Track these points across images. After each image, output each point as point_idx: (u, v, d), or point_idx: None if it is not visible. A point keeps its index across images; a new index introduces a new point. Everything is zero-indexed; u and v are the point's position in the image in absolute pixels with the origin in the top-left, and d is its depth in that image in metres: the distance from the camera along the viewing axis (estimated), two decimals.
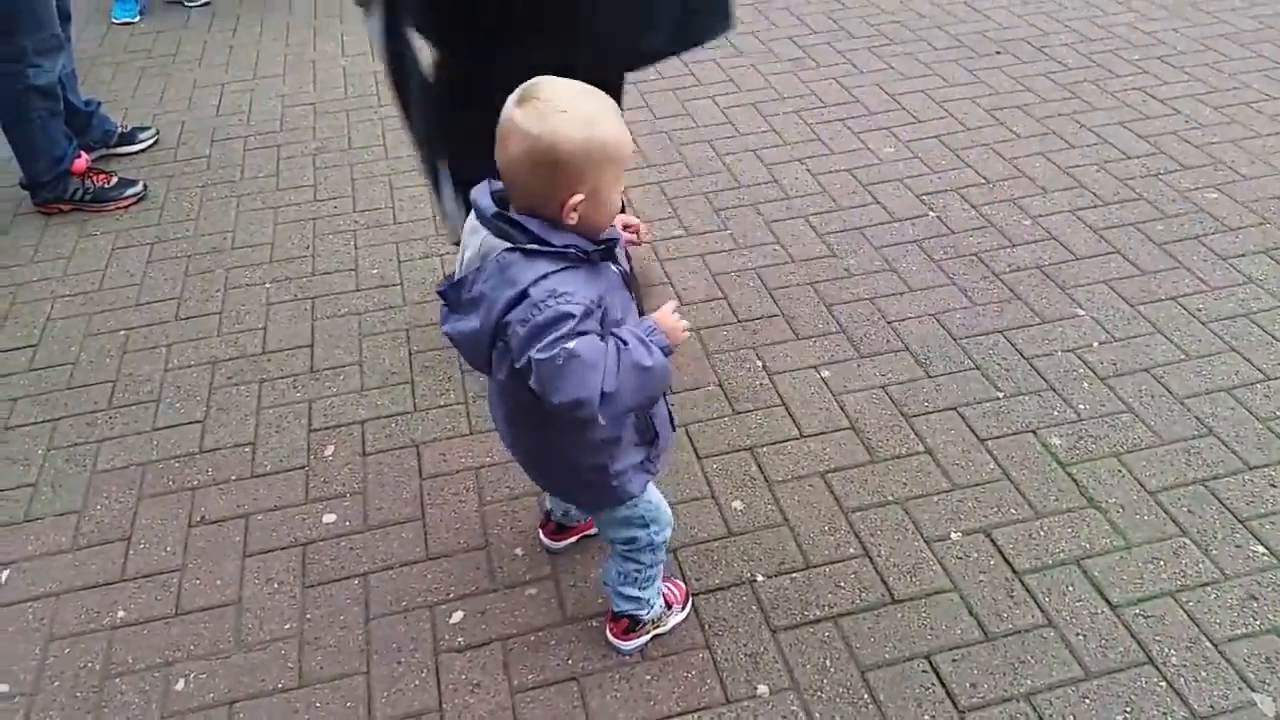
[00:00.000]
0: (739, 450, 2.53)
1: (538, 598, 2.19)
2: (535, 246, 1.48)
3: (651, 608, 2.02)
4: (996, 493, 2.38)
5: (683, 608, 2.12)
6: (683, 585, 2.15)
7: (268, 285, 3.23)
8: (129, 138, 4.01)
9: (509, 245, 1.49)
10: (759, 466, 2.48)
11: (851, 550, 2.26)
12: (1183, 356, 2.74)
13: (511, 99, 1.47)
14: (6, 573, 2.31)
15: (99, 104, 3.95)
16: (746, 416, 2.62)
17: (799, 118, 4.01)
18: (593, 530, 2.26)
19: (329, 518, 2.40)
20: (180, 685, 2.06)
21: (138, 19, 5.26)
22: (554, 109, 1.43)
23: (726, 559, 2.25)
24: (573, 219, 1.49)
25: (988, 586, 2.16)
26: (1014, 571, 2.19)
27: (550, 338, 1.44)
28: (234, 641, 2.14)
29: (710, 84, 4.28)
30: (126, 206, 3.66)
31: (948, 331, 2.88)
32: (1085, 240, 3.22)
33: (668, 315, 1.62)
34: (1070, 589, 2.15)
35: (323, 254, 3.36)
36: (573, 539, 2.27)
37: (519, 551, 2.29)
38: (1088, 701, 1.93)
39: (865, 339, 2.87)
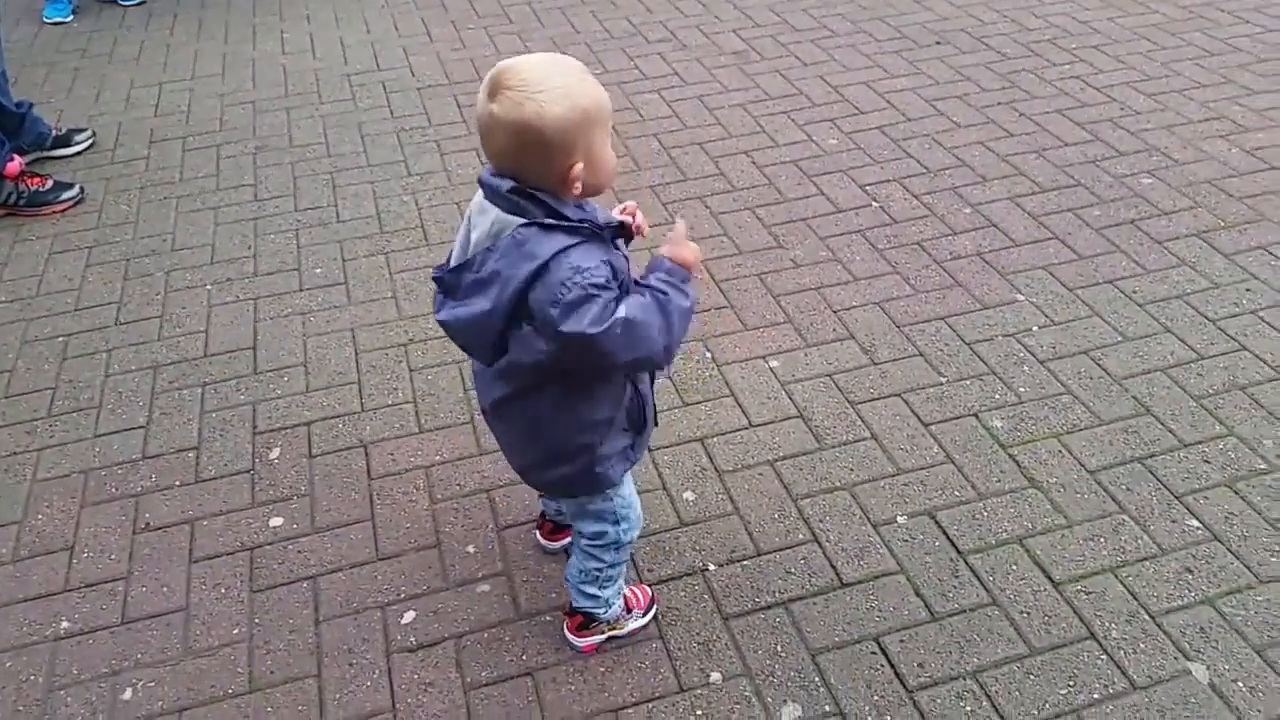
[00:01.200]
0: (689, 441, 2.54)
1: (490, 594, 2.19)
2: (552, 220, 1.49)
3: (609, 608, 2.02)
4: (941, 475, 2.42)
5: (644, 614, 2.10)
6: (649, 592, 2.14)
7: (209, 287, 3.18)
8: (64, 140, 3.93)
9: (524, 221, 1.50)
10: (709, 457, 2.50)
11: (801, 536, 2.29)
12: (1120, 338, 2.80)
13: (482, 93, 1.48)
14: None
15: (31, 105, 3.87)
16: (696, 408, 2.64)
17: (744, 110, 4.04)
18: None
19: (276, 521, 2.38)
20: (128, 694, 2.03)
21: (70, 19, 5.15)
22: (527, 93, 1.44)
23: (679, 549, 2.27)
24: (578, 188, 1.52)
25: (933, 568, 2.20)
26: (958, 552, 2.23)
27: (593, 312, 1.46)
28: (182, 648, 2.11)
29: (655, 78, 4.30)
30: (63, 210, 3.59)
31: (891, 319, 2.92)
32: (1024, 227, 3.27)
33: (683, 247, 1.65)
34: (1014, 568, 2.19)
35: (264, 254, 3.32)
36: (569, 538, 2.24)
37: (470, 549, 2.29)
38: (1032, 677, 1.97)
39: (812, 328, 2.90)
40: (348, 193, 3.62)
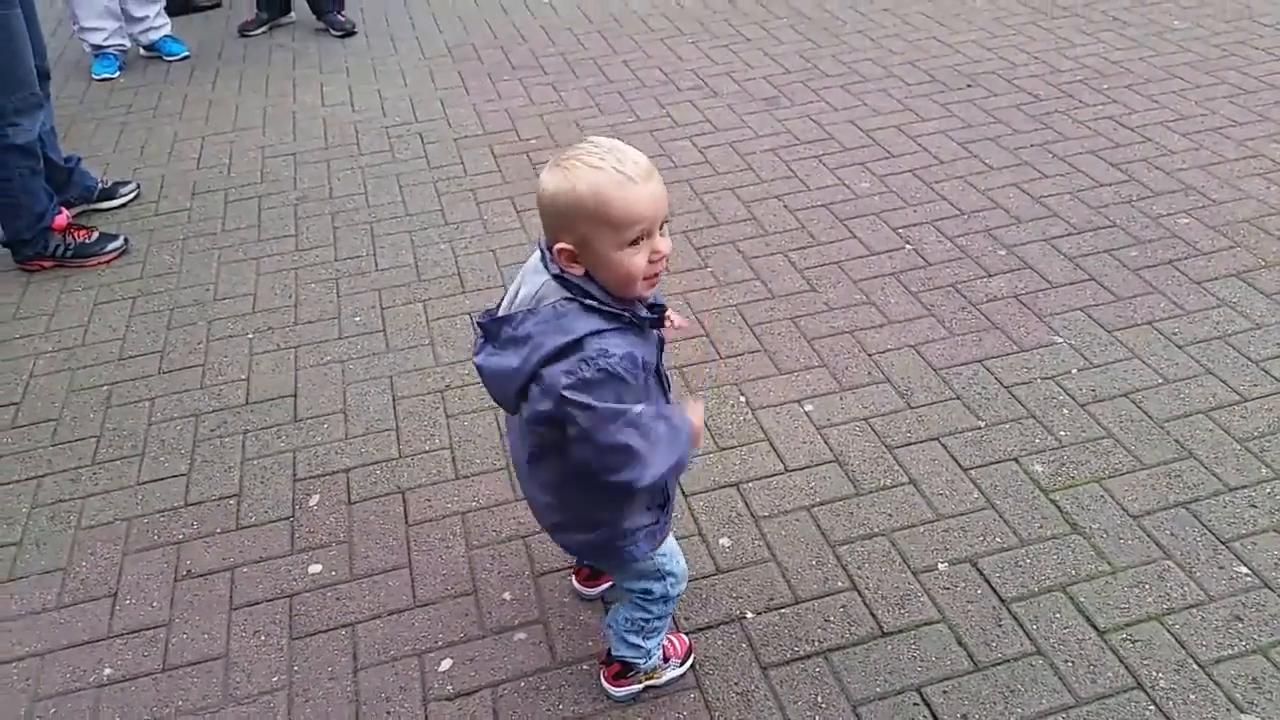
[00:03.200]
0: (724, 487, 2.53)
1: (527, 642, 2.18)
2: (594, 303, 1.51)
3: (650, 658, 2.00)
4: (981, 522, 2.39)
5: (681, 663, 2.09)
6: (686, 641, 2.12)
7: (250, 336, 3.23)
8: (110, 193, 4.03)
9: (568, 295, 1.52)
10: (745, 502, 2.49)
11: (839, 584, 2.27)
12: (1160, 380, 2.77)
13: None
14: None
15: (79, 159, 3.97)
16: (731, 453, 2.64)
17: (775, 155, 4.06)
18: None
19: (315, 568, 2.39)
20: None
21: (117, 74, 5.30)
22: (561, 160, 1.48)
23: (715, 596, 2.25)
24: (574, 269, 1.52)
25: (976, 616, 2.17)
26: (1001, 600, 2.20)
27: (605, 394, 1.47)
28: (223, 695, 2.12)
29: (687, 124, 4.34)
30: (108, 261, 3.67)
31: (928, 362, 2.90)
32: (1060, 268, 3.26)
33: (700, 417, 1.66)
34: (1057, 616, 2.15)
35: (305, 303, 3.37)
36: (607, 584, 2.25)
37: (507, 596, 2.29)
38: None
39: (847, 372, 2.89)
40: (386, 242, 3.67)
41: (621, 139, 1.52)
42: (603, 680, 2.05)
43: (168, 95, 5.07)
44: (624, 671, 2.02)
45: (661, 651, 2.03)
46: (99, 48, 5.27)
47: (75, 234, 3.66)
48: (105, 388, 3.05)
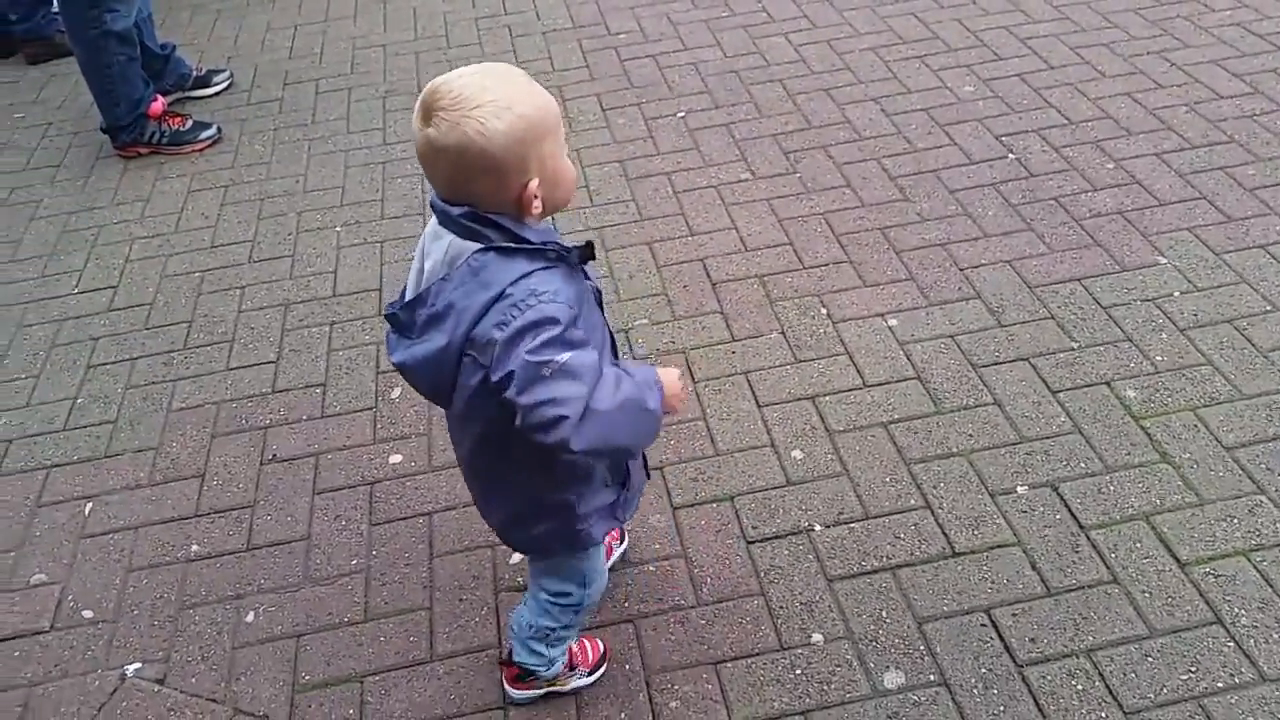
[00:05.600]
0: (800, 399, 2.50)
1: None
2: (512, 245, 1.37)
3: (552, 666, 1.87)
4: (1066, 446, 2.32)
5: (590, 672, 1.95)
6: (601, 646, 1.98)
7: (338, 229, 3.27)
8: (204, 81, 4.07)
9: (481, 246, 1.37)
10: (820, 416, 2.45)
11: (912, 502, 2.23)
12: (1268, 308, 2.62)
13: (415, 119, 1.35)
14: (90, 505, 2.41)
15: (174, 47, 4.02)
16: (808, 365, 2.59)
17: (875, 55, 3.89)
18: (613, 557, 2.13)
19: (395, 458, 2.45)
20: (251, 617, 2.14)
21: None
22: (463, 111, 1.30)
23: (784, 508, 2.25)
24: (537, 208, 1.39)
25: (1052, 541, 2.12)
26: (1080, 526, 2.14)
27: (539, 340, 1.32)
28: (303, 576, 2.21)
29: (783, 20, 4.17)
30: (202, 149, 3.73)
31: (1023, 279, 2.80)
32: (1170, 185, 3.08)
33: (675, 378, 1.54)
34: (1138, 545, 2.10)
35: (391, 198, 3.39)
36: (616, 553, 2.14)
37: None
38: (1150, 660, 1.89)
39: (935, 286, 2.80)
40: None
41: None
42: (504, 680, 1.94)
43: None
44: (524, 675, 1.89)
45: (568, 658, 1.91)
46: None
47: (170, 121, 3.72)
48: (197, 274, 3.13)
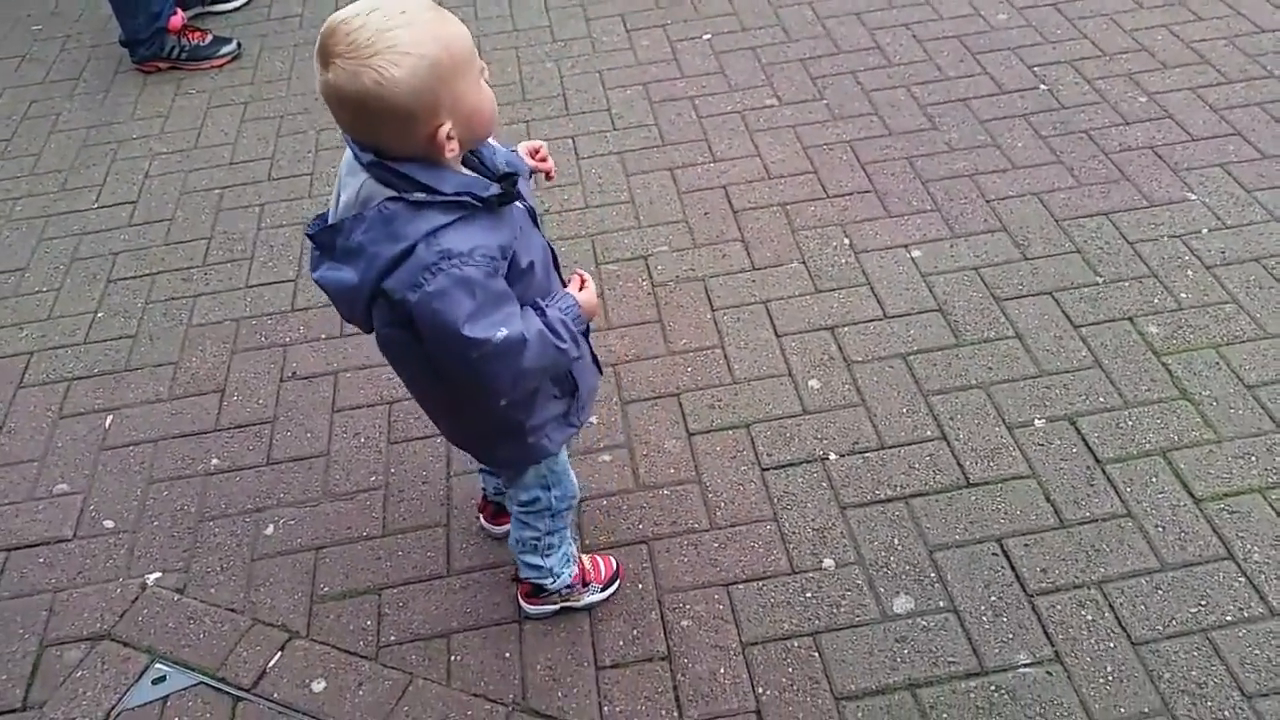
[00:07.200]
0: (819, 329, 2.49)
1: (611, 464, 2.23)
2: (423, 196, 1.30)
3: (557, 578, 1.88)
4: (1086, 380, 2.31)
5: (604, 587, 1.97)
6: (613, 564, 2.00)
7: None
8: None
9: (392, 194, 1.30)
10: (839, 346, 2.44)
11: (928, 433, 2.23)
12: None
13: (315, 62, 1.27)
14: (110, 418, 2.44)
15: None
16: (829, 295, 2.58)
17: None
18: None
19: None
20: (270, 530, 2.17)
21: None
22: (360, 59, 1.21)
23: (800, 436, 2.25)
24: (452, 149, 1.31)
25: (1067, 474, 2.12)
26: (1096, 460, 2.14)
27: (466, 307, 1.30)
28: (322, 491, 2.24)
29: None
30: (221, 65, 3.69)
31: (1050, 212, 2.75)
32: (1204, 120, 3.01)
33: (592, 293, 1.53)
34: (1153, 480, 2.09)
35: None
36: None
37: (594, 419, 2.32)
38: (1160, 592, 1.90)
39: (961, 218, 2.77)
40: (493, 57, 3.59)
41: None
42: (519, 596, 1.97)
43: None
44: (535, 591, 1.92)
45: (579, 573, 1.93)
46: None
47: (190, 36, 3.67)
48: (217, 191, 3.12)
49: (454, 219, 1.31)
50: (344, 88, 1.23)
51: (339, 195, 1.39)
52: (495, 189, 1.36)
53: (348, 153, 1.37)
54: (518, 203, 1.43)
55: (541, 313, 1.43)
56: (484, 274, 1.32)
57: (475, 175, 1.39)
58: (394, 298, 1.32)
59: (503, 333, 1.33)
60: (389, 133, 1.28)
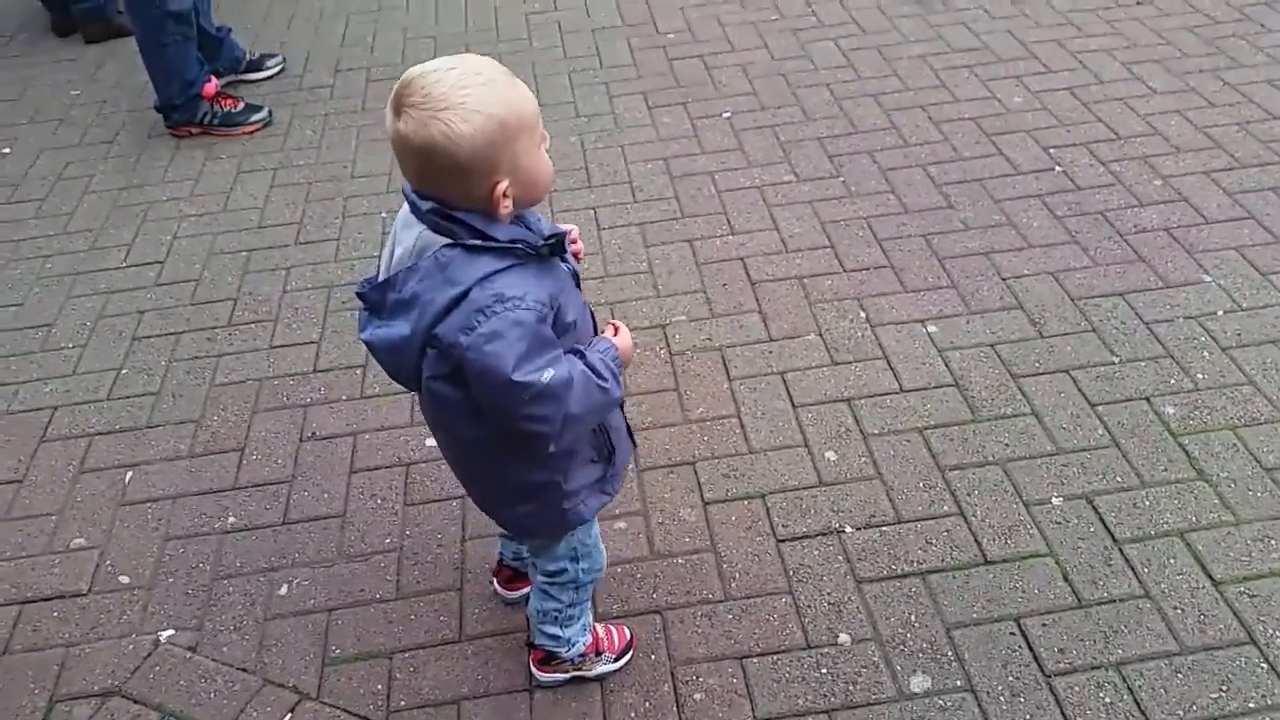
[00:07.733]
0: (835, 401, 2.50)
1: (626, 532, 2.23)
2: (478, 242, 1.36)
3: (572, 647, 1.88)
4: (1103, 459, 2.31)
5: (616, 658, 1.95)
6: (627, 634, 1.99)
7: (384, 215, 3.31)
8: (257, 64, 4.13)
9: (448, 241, 1.37)
10: (855, 418, 2.45)
11: (945, 508, 2.23)
12: None
13: (388, 108, 1.34)
14: (130, 474, 2.46)
15: (229, 30, 4.08)
16: (845, 368, 2.59)
17: (924, 63, 3.88)
18: None
19: (431, 441, 2.47)
20: (284, 590, 2.17)
21: None
22: (432, 111, 1.28)
23: (815, 508, 2.25)
24: (507, 207, 1.38)
25: (1085, 553, 2.11)
26: (1114, 540, 2.13)
27: (518, 350, 1.34)
28: (337, 552, 2.24)
29: (832, 25, 4.17)
30: (252, 132, 3.78)
31: (1065, 291, 2.78)
32: (1218, 203, 3.05)
33: (627, 337, 1.56)
34: (1171, 561, 2.08)
35: None
36: (529, 588, 1.96)
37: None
38: (1180, 676, 1.88)
39: (977, 294, 2.79)
40: None
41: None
42: (530, 662, 1.96)
43: None
44: (548, 658, 1.91)
45: (593, 642, 1.92)
46: None
47: (223, 102, 3.77)
48: (244, 253, 3.18)
49: (507, 265, 1.37)
50: (412, 137, 1.30)
51: (392, 251, 1.45)
52: (546, 241, 1.42)
53: (404, 208, 1.44)
54: (563, 263, 1.49)
55: (582, 355, 1.48)
56: (535, 318, 1.36)
57: (526, 229, 1.46)
58: (444, 343, 1.36)
59: (549, 373, 1.37)
60: (451, 184, 1.35)
